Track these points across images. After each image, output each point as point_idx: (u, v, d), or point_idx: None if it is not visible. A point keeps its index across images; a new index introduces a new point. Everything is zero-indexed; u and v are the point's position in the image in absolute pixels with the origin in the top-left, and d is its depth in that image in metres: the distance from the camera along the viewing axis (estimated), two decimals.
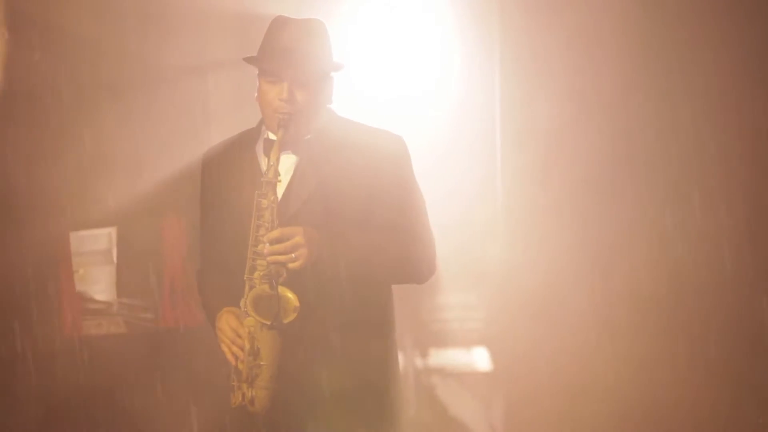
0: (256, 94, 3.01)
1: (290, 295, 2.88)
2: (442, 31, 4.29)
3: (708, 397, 4.18)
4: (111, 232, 4.09)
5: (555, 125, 4.25)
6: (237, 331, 2.93)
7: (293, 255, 2.85)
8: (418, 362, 4.35)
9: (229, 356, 2.94)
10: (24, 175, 3.94)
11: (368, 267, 2.99)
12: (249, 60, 2.98)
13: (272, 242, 2.86)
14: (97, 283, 4.15)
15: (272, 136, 2.98)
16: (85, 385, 3.97)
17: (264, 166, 2.97)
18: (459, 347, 4.45)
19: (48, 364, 3.97)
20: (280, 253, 2.85)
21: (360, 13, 4.22)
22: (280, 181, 2.92)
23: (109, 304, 4.15)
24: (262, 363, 2.92)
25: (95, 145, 4.05)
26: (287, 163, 2.97)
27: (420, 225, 3.05)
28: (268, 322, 2.87)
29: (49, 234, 4.00)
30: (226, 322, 2.96)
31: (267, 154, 2.94)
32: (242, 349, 2.92)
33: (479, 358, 4.36)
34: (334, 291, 2.96)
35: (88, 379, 3.99)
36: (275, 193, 2.90)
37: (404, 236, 3.02)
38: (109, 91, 3.97)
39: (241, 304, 2.93)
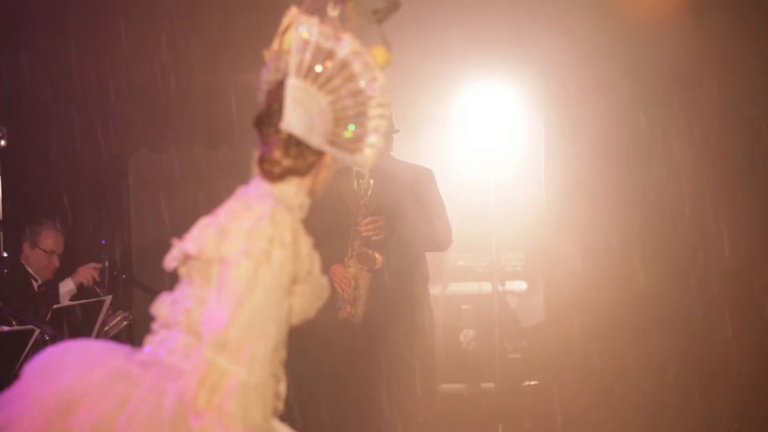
0: None
1: (377, 255, 4.20)
2: (505, 103, 6.14)
3: None
4: None
5: (579, 162, 5.76)
6: (344, 274, 4.18)
7: (377, 231, 4.18)
8: (499, 288, 6.37)
9: (338, 289, 4.15)
10: None
11: (415, 241, 4.27)
12: None
13: (366, 224, 4.15)
14: None
15: (359, 170, 4.11)
16: None
17: (355, 186, 4.21)
18: (519, 280, 6.62)
19: None
20: (371, 231, 4.16)
21: (458, 96, 6.16)
22: (369, 193, 4.22)
23: None
24: (360, 292, 4.18)
25: None
26: (371, 183, 4.23)
27: (442, 216, 4.35)
28: (367, 268, 4.19)
29: None
30: (337, 269, 4.18)
31: (356, 179, 4.20)
32: (348, 284, 4.14)
33: (529, 286, 6.57)
34: (397, 252, 4.23)
35: None
36: (367, 198, 4.19)
37: (433, 223, 4.31)
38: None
39: (346, 260, 4.20)
